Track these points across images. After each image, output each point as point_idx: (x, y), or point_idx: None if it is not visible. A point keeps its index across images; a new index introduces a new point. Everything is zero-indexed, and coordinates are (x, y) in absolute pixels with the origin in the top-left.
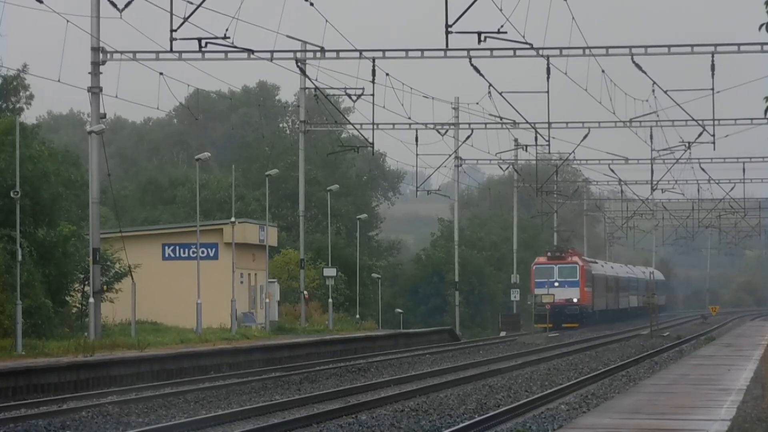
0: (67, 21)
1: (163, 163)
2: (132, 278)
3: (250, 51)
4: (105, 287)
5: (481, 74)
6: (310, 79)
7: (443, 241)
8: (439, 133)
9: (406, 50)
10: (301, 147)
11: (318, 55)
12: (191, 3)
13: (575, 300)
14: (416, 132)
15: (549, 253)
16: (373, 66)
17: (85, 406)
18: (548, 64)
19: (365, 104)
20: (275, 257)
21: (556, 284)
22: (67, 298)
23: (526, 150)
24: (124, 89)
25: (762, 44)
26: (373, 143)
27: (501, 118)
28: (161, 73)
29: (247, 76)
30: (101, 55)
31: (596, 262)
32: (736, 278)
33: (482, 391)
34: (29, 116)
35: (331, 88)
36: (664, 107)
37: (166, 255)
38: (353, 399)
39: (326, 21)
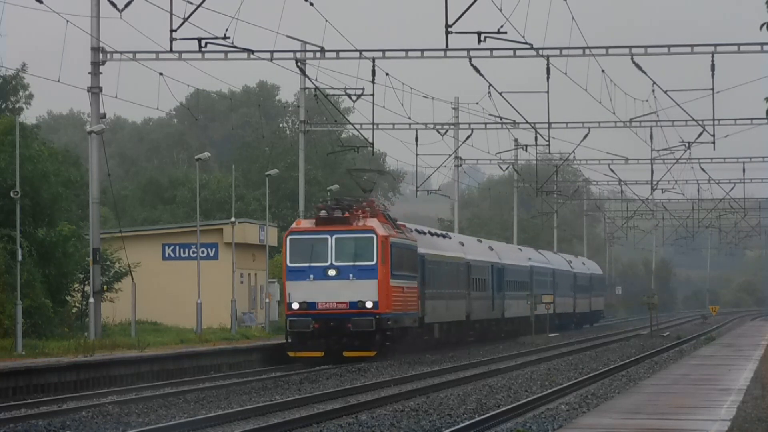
0: (67, 21)
1: (163, 163)
2: (132, 278)
3: (250, 51)
4: (105, 287)
5: (481, 74)
6: (310, 79)
7: None
8: (439, 133)
9: (406, 50)
10: (301, 147)
11: (318, 55)
12: (191, 3)
13: (369, 305)
14: (416, 132)
15: (323, 211)
16: (373, 66)
17: (85, 406)
18: (548, 64)
19: (365, 104)
20: (275, 257)
21: (331, 273)
22: (67, 298)
23: (526, 150)
24: (124, 89)
25: (762, 44)
26: (373, 143)
27: (501, 118)
28: (161, 74)
29: (247, 76)
30: (101, 55)
31: (437, 235)
32: (736, 278)
33: (482, 391)
34: (29, 116)
35: (331, 88)
36: (664, 107)
37: (166, 255)
38: (353, 399)
39: (326, 21)
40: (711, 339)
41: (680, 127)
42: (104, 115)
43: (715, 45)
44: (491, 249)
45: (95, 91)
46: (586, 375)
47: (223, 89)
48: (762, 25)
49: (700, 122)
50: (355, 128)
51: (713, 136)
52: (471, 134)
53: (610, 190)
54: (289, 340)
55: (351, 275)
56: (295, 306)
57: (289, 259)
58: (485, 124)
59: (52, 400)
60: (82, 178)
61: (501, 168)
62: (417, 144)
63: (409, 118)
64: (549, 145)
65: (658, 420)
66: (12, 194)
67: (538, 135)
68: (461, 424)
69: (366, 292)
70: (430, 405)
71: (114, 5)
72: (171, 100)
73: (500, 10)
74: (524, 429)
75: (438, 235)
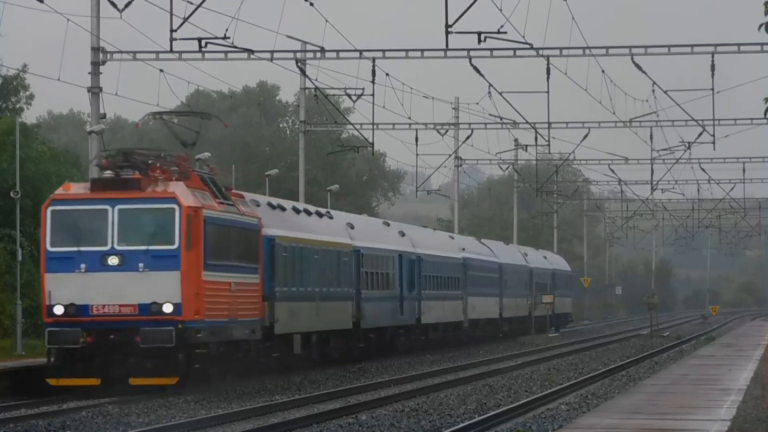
0: (68, 20)
1: None
2: None
3: (250, 51)
4: None
5: (481, 74)
6: (310, 79)
7: None
8: (439, 133)
9: (406, 50)
10: (301, 147)
11: (318, 55)
12: (191, 3)
13: (167, 309)
14: (416, 132)
15: (108, 170)
16: (373, 66)
17: (85, 406)
18: (548, 64)
19: (365, 104)
20: None
21: (112, 261)
22: None
23: (526, 150)
24: (124, 89)
25: (762, 44)
26: (373, 143)
27: (501, 118)
28: (161, 70)
29: (247, 76)
30: (101, 55)
31: (309, 212)
32: (736, 278)
33: (482, 391)
34: (29, 116)
35: (331, 88)
36: (664, 107)
37: None
38: (353, 399)
39: (326, 21)
40: (711, 339)
41: (680, 127)
42: (104, 115)
43: (715, 45)
44: (402, 234)
45: (95, 91)
46: (586, 375)
47: (223, 89)
48: (761, 26)
49: (700, 122)
50: (355, 128)
51: (713, 136)
52: (471, 134)
53: (610, 190)
54: (52, 361)
55: (141, 265)
56: (59, 310)
57: (50, 242)
58: (485, 124)
59: (52, 400)
60: (82, 179)
61: (501, 168)
62: (417, 144)
63: (409, 118)
64: (549, 145)
65: (658, 420)
66: (12, 194)
67: (538, 135)
68: (461, 424)
69: (163, 290)
70: (430, 405)
71: (114, 5)
72: (171, 100)
73: (500, 10)
74: (524, 429)
75: (309, 213)
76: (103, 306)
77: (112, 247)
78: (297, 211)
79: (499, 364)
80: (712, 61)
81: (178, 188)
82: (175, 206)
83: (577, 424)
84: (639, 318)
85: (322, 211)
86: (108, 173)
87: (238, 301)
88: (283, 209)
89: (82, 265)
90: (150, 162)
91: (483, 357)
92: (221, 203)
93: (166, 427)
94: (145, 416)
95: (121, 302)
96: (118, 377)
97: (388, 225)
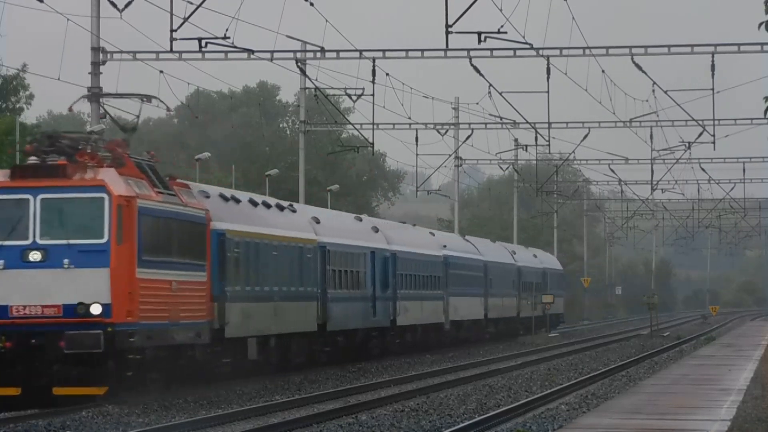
0: (68, 20)
1: (163, 163)
2: None
3: (250, 51)
4: None
5: (481, 74)
6: (310, 79)
7: None
8: (439, 133)
9: (406, 50)
10: (301, 147)
11: (318, 55)
12: (191, 3)
13: (95, 310)
14: (416, 132)
15: (32, 156)
16: (373, 66)
17: (85, 406)
18: (548, 64)
19: (365, 104)
20: None
21: (34, 257)
22: None
23: (526, 150)
24: (124, 90)
25: (762, 44)
26: (373, 143)
27: (501, 118)
28: (161, 71)
29: (247, 76)
30: (101, 55)
31: (268, 205)
32: (736, 278)
33: (482, 391)
34: (29, 116)
35: (331, 88)
36: (664, 107)
37: None
38: (353, 399)
39: (326, 21)
40: (711, 339)
41: (680, 127)
42: (104, 115)
43: (715, 45)
44: (376, 230)
45: (95, 91)
46: (586, 375)
47: (223, 89)
48: (760, 25)
49: (700, 122)
50: (356, 128)
51: (713, 136)
52: (471, 134)
53: (610, 190)
54: None
55: (67, 261)
56: None
57: None
58: (485, 124)
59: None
60: None
61: (501, 168)
62: (417, 144)
63: (409, 118)
64: (549, 145)
65: (658, 420)
66: None
67: (538, 135)
68: (461, 424)
69: (91, 289)
70: (430, 405)
71: (114, 5)
72: (171, 100)
73: (500, 10)
74: (524, 429)
75: (268, 205)
76: (24, 307)
77: (34, 242)
78: (254, 203)
79: (499, 364)
80: (712, 61)
81: (108, 175)
82: (105, 195)
83: (577, 424)
84: (639, 318)
85: (284, 203)
86: (32, 159)
87: (181, 302)
88: (238, 201)
89: (0, 262)
90: (79, 147)
91: (483, 357)
92: (160, 193)
93: (166, 427)
94: (145, 416)
95: (44, 303)
96: (41, 386)
97: (360, 220)
